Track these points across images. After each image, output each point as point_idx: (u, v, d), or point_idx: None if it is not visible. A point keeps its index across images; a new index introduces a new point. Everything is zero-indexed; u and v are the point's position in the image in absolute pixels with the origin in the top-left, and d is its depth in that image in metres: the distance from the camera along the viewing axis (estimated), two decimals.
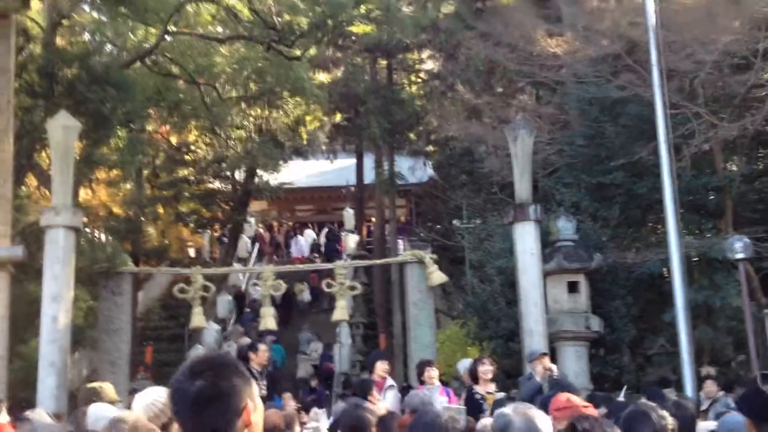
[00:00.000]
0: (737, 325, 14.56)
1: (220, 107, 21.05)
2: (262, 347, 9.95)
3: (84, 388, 6.35)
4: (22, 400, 12.29)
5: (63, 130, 12.51)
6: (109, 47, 20.11)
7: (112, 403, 6.13)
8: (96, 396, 6.07)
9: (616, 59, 15.82)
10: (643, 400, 8.95)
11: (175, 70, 20.14)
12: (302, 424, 7.70)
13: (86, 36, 20.01)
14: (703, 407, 10.06)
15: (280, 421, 6.16)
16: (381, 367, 9.30)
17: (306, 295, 25.61)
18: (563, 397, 4.59)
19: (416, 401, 6.71)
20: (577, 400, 4.39)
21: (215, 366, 2.27)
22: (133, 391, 10.17)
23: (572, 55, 16.24)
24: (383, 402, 8.40)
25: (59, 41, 17.84)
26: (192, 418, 2.21)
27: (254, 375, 9.41)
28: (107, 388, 6.51)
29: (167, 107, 20.09)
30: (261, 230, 33.52)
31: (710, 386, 10.84)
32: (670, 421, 3.49)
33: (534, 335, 12.48)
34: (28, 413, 5.83)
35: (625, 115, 15.92)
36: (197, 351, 20.94)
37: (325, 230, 32.90)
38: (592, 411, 4.14)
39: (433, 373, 9.12)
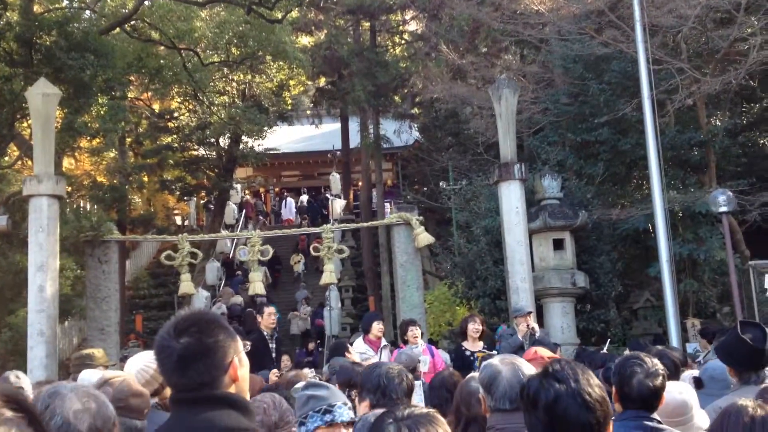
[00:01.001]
0: (721, 278, 14.74)
1: (202, 73, 20.83)
2: (267, 309, 9.83)
3: (75, 355, 6.37)
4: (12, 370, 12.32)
5: (43, 98, 12.37)
6: (87, 13, 19.80)
7: (105, 367, 6.17)
8: (88, 361, 6.11)
9: (599, 16, 15.74)
10: (627, 352, 9.10)
11: (155, 35, 19.91)
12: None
13: (64, 2, 19.69)
14: (700, 357, 10.19)
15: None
16: (377, 327, 9.35)
17: (301, 266, 25.70)
18: (532, 349, 4.66)
19: (404, 358, 6.78)
20: (546, 353, 4.44)
21: (200, 322, 2.26)
22: (124, 359, 10.20)
23: (556, 12, 16.13)
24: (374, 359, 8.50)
25: (37, 8, 17.56)
26: (178, 375, 2.20)
27: (264, 338, 9.48)
28: (98, 353, 6.55)
29: (148, 73, 19.87)
30: (249, 198, 33.50)
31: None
32: (661, 367, 3.56)
33: (520, 293, 12.58)
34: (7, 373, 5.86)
35: (608, 72, 15.91)
36: None
37: (305, 195, 33.23)
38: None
39: (416, 332, 9.17)
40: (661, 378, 3.48)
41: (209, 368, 2.20)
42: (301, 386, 3.12)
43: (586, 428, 2.20)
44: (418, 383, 4.73)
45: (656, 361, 3.62)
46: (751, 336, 4.19)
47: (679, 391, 3.85)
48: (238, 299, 23.14)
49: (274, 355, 9.45)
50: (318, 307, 22.79)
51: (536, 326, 9.93)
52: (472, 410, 3.68)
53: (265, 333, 9.53)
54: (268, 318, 9.59)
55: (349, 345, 8.65)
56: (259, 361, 8.46)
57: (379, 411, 3.07)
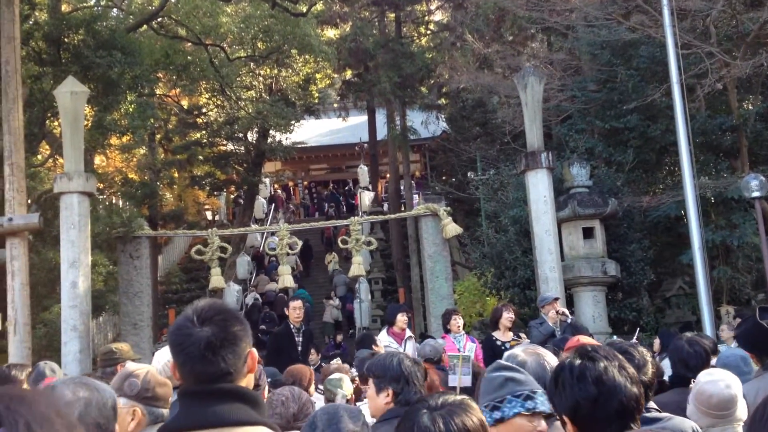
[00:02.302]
0: (756, 264, 14.51)
1: (228, 68, 20.96)
2: (293, 304, 9.76)
3: (102, 350, 6.41)
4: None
5: (71, 96, 12.51)
6: (114, 11, 20.00)
7: (134, 361, 6.22)
8: (114, 356, 6.15)
9: (626, 0, 15.53)
10: (656, 341, 8.96)
11: (181, 32, 20.05)
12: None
13: (91, 1, 19.89)
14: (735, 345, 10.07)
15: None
16: (401, 319, 9.38)
17: (334, 265, 25.77)
18: (575, 338, 4.61)
19: (427, 350, 6.76)
20: (589, 341, 4.39)
21: (223, 311, 2.24)
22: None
23: None
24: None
25: (64, 7, 17.77)
26: (204, 363, 2.16)
27: (290, 331, 9.50)
28: (125, 347, 6.60)
29: (176, 70, 20.02)
30: (280, 192, 33.77)
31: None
32: (649, 358, 3.51)
33: (549, 282, 12.49)
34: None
35: (637, 58, 15.70)
36: None
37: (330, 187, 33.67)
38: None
39: (459, 322, 9.17)
40: (649, 367, 3.41)
41: (234, 357, 2.19)
42: (492, 367, 2.83)
43: (631, 398, 2.26)
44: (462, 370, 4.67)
45: (644, 350, 3.57)
46: None
47: (727, 384, 3.69)
48: (273, 286, 23.27)
49: (300, 348, 9.44)
50: (348, 292, 23.05)
51: (566, 311, 9.81)
52: None
53: (291, 326, 9.55)
54: (293, 312, 9.56)
55: (376, 338, 8.63)
56: (285, 354, 8.48)
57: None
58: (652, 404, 3.39)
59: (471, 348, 9.01)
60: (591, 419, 2.23)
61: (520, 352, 3.56)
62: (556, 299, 10.02)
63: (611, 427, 2.23)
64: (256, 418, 2.16)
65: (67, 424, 1.22)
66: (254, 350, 2.29)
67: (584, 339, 4.38)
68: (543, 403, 2.70)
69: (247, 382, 2.27)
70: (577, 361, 2.32)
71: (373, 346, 7.81)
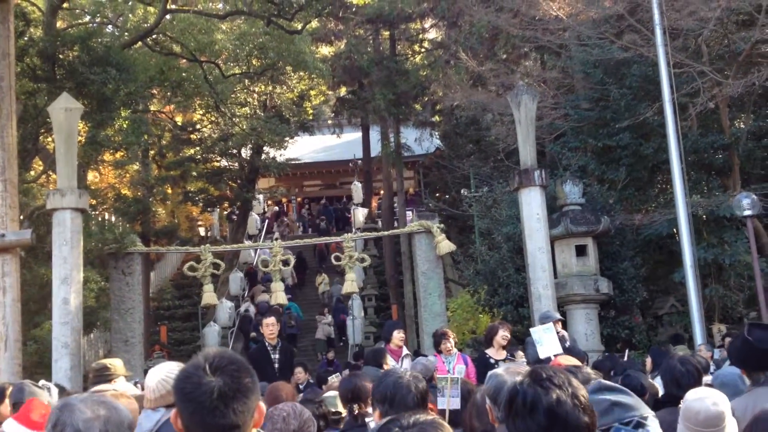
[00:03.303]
0: (748, 282, 14.55)
1: (223, 85, 21.02)
2: (266, 321, 9.51)
3: (93, 366, 6.37)
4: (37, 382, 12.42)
5: (65, 112, 12.51)
6: (109, 28, 20.06)
7: (126, 377, 6.18)
8: (106, 372, 6.12)
9: (618, 20, 15.64)
10: (647, 359, 8.95)
11: (176, 48, 20.10)
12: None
13: (86, 17, 19.94)
14: (728, 364, 10.07)
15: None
16: (398, 336, 9.25)
17: (324, 287, 25.66)
18: (557, 360, 4.61)
19: (419, 368, 6.73)
20: (565, 361, 4.38)
21: (235, 362, 2.18)
22: (148, 370, 10.23)
23: (575, 17, 16.06)
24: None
25: (59, 24, 17.81)
26: (215, 415, 2.10)
27: (264, 349, 9.39)
28: (117, 363, 6.56)
29: (170, 86, 20.07)
30: (275, 208, 33.82)
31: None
32: (593, 375, 3.54)
33: (543, 300, 12.49)
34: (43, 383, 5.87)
35: (629, 77, 15.80)
36: (212, 329, 21.15)
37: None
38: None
39: (449, 345, 9.07)
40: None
41: (244, 410, 2.14)
42: (594, 387, 2.52)
43: (584, 430, 2.19)
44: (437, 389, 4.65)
45: (588, 370, 3.56)
46: (757, 337, 4.15)
47: (714, 402, 3.69)
48: (266, 297, 23.22)
49: (277, 365, 9.24)
50: (337, 302, 23.03)
51: (566, 334, 9.76)
52: (483, 422, 3.64)
53: (267, 344, 9.38)
54: (266, 329, 9.35)
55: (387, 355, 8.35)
56: (260, 374, 8.37)
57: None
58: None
59: (460, 370, 8.86)
60: None
61: (503, 372, 3.56)
62: (559, 321, 9.96)
63: None
64: None
65: None
66: (262, 404, 2.24)
67: (561, 359, 4.35)
68: (656, 430, 2.43)
69: None
70: (530, 390, 2.24)
71: (385, 366, 7.60)
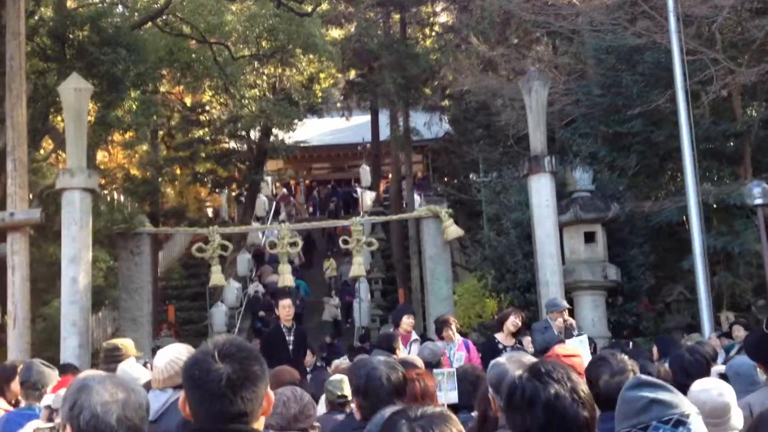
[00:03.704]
0: (757, 271, 14.49)
1: (232, 66, 20.96)
2: (282, 302, 9.52)
3: (105, 345, 6.40)
4: (46, 360, 12.50)
5: (75, 92, 12.51)
6: (119, 8, 20.02)
7: (135, 358, 6.21)
8: (117, 353, 6.14)
9: (632, 6, 15.52)
10: (654, 348, 8.93)
11: (186, 29, 20.05)
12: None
13: None
14: (734, 352, 10.05)
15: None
16: (407, 321, 9.24)
17: (330, 272, 25.65)
18: (555, 350, 4.53)
19: (426, 353, 6.74)
20: (563, 351, 4.32)
21: (244, 348, 2.18)
22: (156, 349, 10.27)
23: (588, 2, 15.96)
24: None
25: (70, 4, 17.79)
26: (223, 402, 2.09)
27: (280, 331, 9.40)
28: (128, 344, 6.59)
29: (180, 67, 20.04)
30: (284, 191, 33.83)
31: (738, 331, 10.82)
32: (629, 364, 3.47)
33: (550, 286, 12.49)
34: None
35: (642, 63, 15.69)
36: (220, 309, 21.23)
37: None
38: (574, 360, 4.11)
39: (450, 332, 9.05)
40: (630, 375, 3.36)
41: (253, 397, 2.13)
42: (631, 383, 2.35)
43: (582, 426, 2.21)
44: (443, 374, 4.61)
45: (623, 357, 3.50)
46: None
47: (720, 392, 3.69)
48: (275, 277, 23.25)
49: (291, 348, 9.25)
50: (344, 285, 23.01)
51: (573, 322, 9.73)
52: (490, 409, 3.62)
53: (282, 326, 9.38)
54: (283, 311, 9.35)
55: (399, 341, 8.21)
56: (275, 356, 8.37)
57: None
58: None
59: (460, 357, 8.82)
60: None
61: (505, 361, 3.54)
62: (567, 309, 9.92)
63: None
64: None
65: None
66: (271, 392, 2.23)
67: (558, 349, 4.30)
68: (699, 428, 2.29)
69: (259, 424, 2.20)
70: (529, 384, 2.25)
71: (397, 351, 7.53)
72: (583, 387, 2.26)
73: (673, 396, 2.30)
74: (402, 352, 7.72)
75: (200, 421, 2.14)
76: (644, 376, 2.42)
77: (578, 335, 9.17)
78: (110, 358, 5.72)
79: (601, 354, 3.60)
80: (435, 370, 5.12)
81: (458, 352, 9.08)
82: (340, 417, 4.69)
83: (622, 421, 2.28)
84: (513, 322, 8.94)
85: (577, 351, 4.40)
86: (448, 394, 4.18)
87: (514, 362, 3.36)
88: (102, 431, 2.08)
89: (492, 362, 3.57)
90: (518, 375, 2.32)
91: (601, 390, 3.34)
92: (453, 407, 4.02)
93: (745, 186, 12.83)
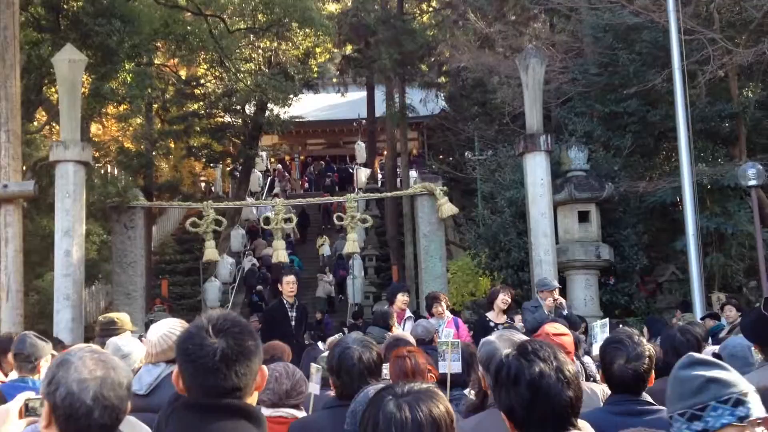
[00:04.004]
0: (749, 252, 14.56)
1: (228, 40, 20.76)
2: (286, 279, 9.57)
3: (100, 319, 6.41)
4: (39, 333, 12.51)
5: (69, 64, 12.41)
6: None
7: (131, 332, 6.21)
8: (113, 326, 6.15)
9: None
10: (644, 329, 8.97)
11: (181, 1, 19.85)
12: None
13: None
14: (724, 332, 10.10)
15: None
16: (401, 299, 9.26)
17: (326, 249, 25.62)
18: (545, 328, 4.54)
19: (419, 330, 6.75)
20: (552, 329, 4.33)
21: (239, 323, 2.17)
22: (149, 323, 10.28)
23: None
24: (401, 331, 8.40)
25: None
26: (217, 377, 2.09)
27: (283, 307, 9.45)
28: (124, 317, 6.59)
29: (174, 40, 19.83)
30: (279, 167, 33.79)
31: (730, 311, 10.88)
32: (646, 348, 3.43)
33: (543, 265, 12.52)
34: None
35: (639, 42, 15.63)
36: (213, 284, 21.24)
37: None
38: (564, 339, 4.11)
39: (440, 308, 9.09)
40: (646, 360, 3.34)
41: (247, 372, 2.13)
42: (684, 362, 2.23)
43: (566, 405, 2.23)
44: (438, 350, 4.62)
45: (640, 340, 3.44)
46: None
47: None
48: (269, 250, 23.29)
49: (293, 323, 9.36)
50: (338, 259, 23.11)
51: (563, 301, 9.77)
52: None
53: (285, 302, 9.46)
54: (286, 287, 9.41)
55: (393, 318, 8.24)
56: (278, 330, 8.42)
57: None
58: (645, 396, 3.39)
59: (448, 333, 8.85)
60: (525, 421, 2.23)
61: (495, 339, 3.56)
62: (557, 288, 9.96)
63: (545, 430, 2.22)
64: None
65: None
66: (264, 368, 2.23)
67: (547, 328, 4.31)
68: (758, 407, 2.15)
69: (252, 399, 2.20)
70: (514, 362, 2.28)
71: (393, 328, 7.52)
72: (569, 367, 2.28)
73: (729, 374, 2.19)
74: (397, 329, 7.76)
75: (194, 396, 2.13)
76: (697, 354, 2.32)
77: (566, 315, 9.21)
78: (106, 332, 5.73)
79: (617, 335, 3.57)
80: (439, 340, 5.12)
81: (447, 328, 9.11)
82: (332, 393, 4.71)
83: (677, 402, 2.18)
84: (503, 299, 8.99)
85: (566, 330, 4.40)
86: (452, 364, 4.20)
87: (504, 341, 3.38)
88: (77, 409, 2.01)
89: (482, 340, 3.58)
90: (505, 353, 2.35)
91: (614, 374, 3.34)
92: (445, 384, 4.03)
93: (739, 167, 12.85)
